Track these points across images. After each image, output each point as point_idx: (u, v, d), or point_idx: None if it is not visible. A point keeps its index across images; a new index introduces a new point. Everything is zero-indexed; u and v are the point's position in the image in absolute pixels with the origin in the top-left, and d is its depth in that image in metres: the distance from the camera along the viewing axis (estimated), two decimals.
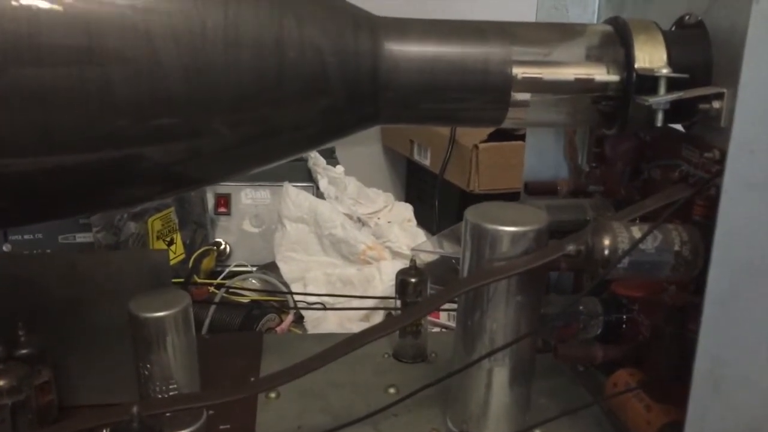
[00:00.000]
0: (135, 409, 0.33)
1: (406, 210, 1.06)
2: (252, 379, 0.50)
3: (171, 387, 0.41)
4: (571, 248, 0.36)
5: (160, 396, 0.41)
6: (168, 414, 0.41)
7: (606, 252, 0.35)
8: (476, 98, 0.39)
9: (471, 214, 0.41)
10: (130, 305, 0.40)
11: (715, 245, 0.34)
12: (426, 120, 0.41)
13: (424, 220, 1.06)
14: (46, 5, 0.32)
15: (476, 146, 1.00)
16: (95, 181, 0.36)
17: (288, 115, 0.37)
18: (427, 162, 1.16)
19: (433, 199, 1.13)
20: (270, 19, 0.35)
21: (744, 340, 0.35)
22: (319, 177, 1.00)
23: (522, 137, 1.01)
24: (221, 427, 0.44)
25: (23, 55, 0.31)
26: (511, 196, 0.58)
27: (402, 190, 1.34)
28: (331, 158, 1.10)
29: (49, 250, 0.79)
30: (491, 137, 1.01)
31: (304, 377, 0.41)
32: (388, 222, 1.01)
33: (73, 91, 0.32)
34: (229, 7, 0.34)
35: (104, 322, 0.44)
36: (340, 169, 1.05)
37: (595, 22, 0.51)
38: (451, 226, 1.00)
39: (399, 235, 0.95)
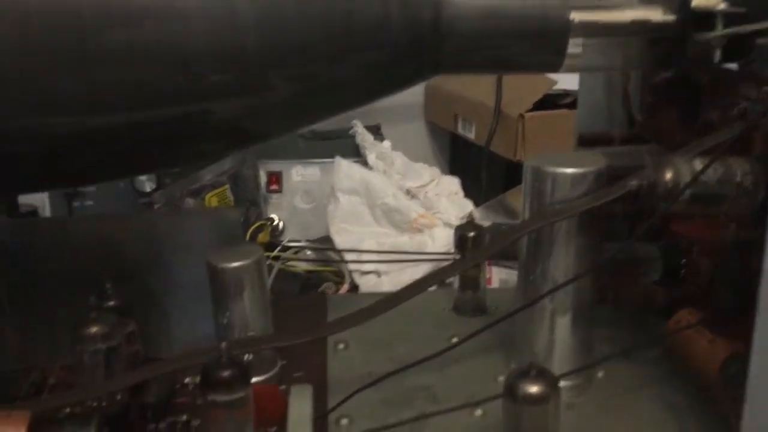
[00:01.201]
0: (224, 345, 0.35)
1: (453, 183, 1.07)
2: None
3: (249, 335, 0.43)
4: (634, 183, 0.37)
5: None
6: (247, 358, 0.43)
7: (669, 185, 0.36)
8: (536, 44, 0.40)
9: (531, 159, 0.42)
10: (209, 257, 0.42)
11: None
12: (485, 68, 0.43)
13: (470, 193, 1.08)
14: None
15: (522, 116, 1.01)
16: (171, 136, 0.38)
17: (353, 65, 0.38)
18: (471, 135, 1.17)
19: (479, 171, 1.14)
20: None
21: None
22: (367, 152, 1.02)
23: (567, 105, 1.01)
24: (295, 374, 0.46)
25: (106, 13, 0.33)
26: None
27: (446, 164, 1.35)
28: (378, 134, 1.11)
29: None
30: (536, 106, 1.01)
31: (369, 330, 0.42)
32: (436, 195, 1.02)
33: (155, 46, 0.34)
34: None
35: (182, 277, 0.46)
36: (387, 144, 1.06)
37: None
38: (497, 197, 1.01)
39: (447, 206, 0.97)
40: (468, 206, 1.01)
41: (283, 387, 0.45)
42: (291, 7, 0.35)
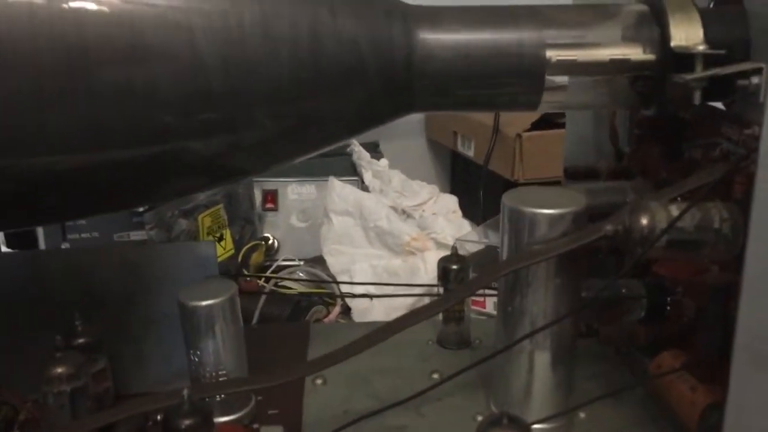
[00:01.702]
0: (186, 392, 0.34)
1: (451, 201, 1.06)
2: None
3: (221, 373, 0.43)
4: (609, 228, 0.36)
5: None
6: (218, 399, 0.42)
7: (644, 231, 0.35)
8: (511, 83, 0.39)
9: (509, 198, 0.41)
10: (179, 295, 0.42)
11: (752, 221, 0.33)
12: (461, 106, 0.42)
13: (469, 211, 1.07)
14: (92, 7, 0.33)
15: (519, 135, 1.00)
16: (142, 175, 0.38)
17: (326, 105, 0.38)
18: (471, 153, 1.16)
19: (478, 190, 1.13)
20: (304, 11, 0.36)
21: None
22: (363, 171, 1.01)
23: (565, 125, 1.00)
24: (270, 412, 0.46)
25: (71, 55, 0.33)
26: (555, 185, 0.57)
27: (447, 181, 1.34)
28: (375, 152, 1.11)
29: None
30: (534, 126, 1.00)
31: (350, 364, 0.41)
32: (433, 214, 1.01)
33: (120, 89, 0.34)
34: (265, 1, 0.35)
35: (156, 312, 0.46)
36: (384, 162, 1.06)
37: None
38: (496, 216, 1.00)
39: (444, 226, 0.96)
40: (465, 226, 1.00)
41: (256, 426, 0.44)
42: (257, 51, 0.34)
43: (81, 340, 0.42)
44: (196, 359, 0.42)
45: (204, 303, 0.41)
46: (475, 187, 1.15)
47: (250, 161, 0.40)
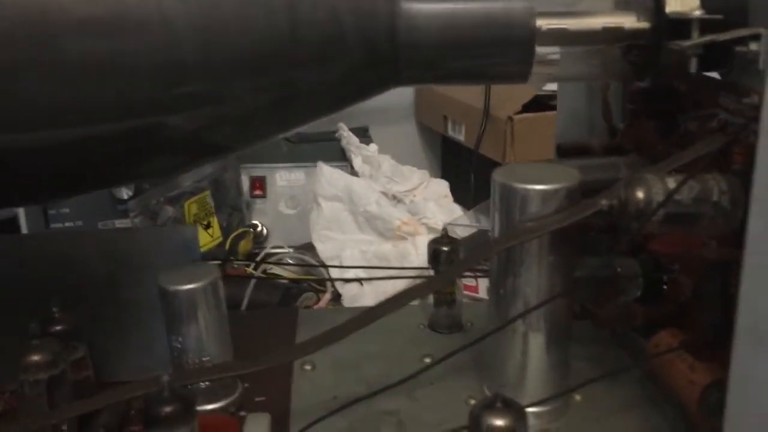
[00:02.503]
0: (165, 379, 0.33)
1: (442, 186, 1.05)
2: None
3: (204, 360, 0.41)
4: (604, 203, 0.35)
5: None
6: (203, 386, 0.41)
7: (640, 205, 0.34)
8: (500, 53, 0.38)
9: (499, 174, 0.40)
10: (160, 279, 0.40)
11: (754, 193, 0.32)
12: (449, 79, 0.40)
13: (461, 195, 1.06)
14: None
15: (510, 118, 0.99)
16: (118, 152, 0.36)
17: (305, 77, 0.36)
18: (461, 137, 1.15)
19: (469, 174, 1.12)
20: None
21: None
22: (352, 156, 1.00)
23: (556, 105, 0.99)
24: (257, 399, 0.44)
25: (35, 28, 0.31)
26: None
27: (438, 166, 1.33)
28: (365, 137, 1.09)
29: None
30: (525, 108, 0.99)
31: (339, 350, 0.40)
32: (424, 199, 1.00)
33: (88, 62, 0.32)
34: None
35: (138, 298, 0.44)
36: (373, 147, 1.04)
37: None
38: (487, 200, 0.99)
39: (435, 211, 0.95)
40: (456, 211, 0.99)
41: (243, 414, 0.43)
42: (231, 19, 0.33)
43: (58, 327, 0.41)
44: (179, 345, 0.41)
45: (185, 287, 0.40)
46: (466, 171, 1.14)
47: (231, 136, 0.39)
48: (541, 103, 0.96)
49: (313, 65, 0.35)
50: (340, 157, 1.02)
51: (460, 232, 0.88)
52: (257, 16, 0.34)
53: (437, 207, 0.97)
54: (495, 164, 1.04)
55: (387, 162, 1.04)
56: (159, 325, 0.42)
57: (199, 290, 0.40)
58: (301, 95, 0.37)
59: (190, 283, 0.40)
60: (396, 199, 0.96)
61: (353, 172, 0.99)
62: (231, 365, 0.41)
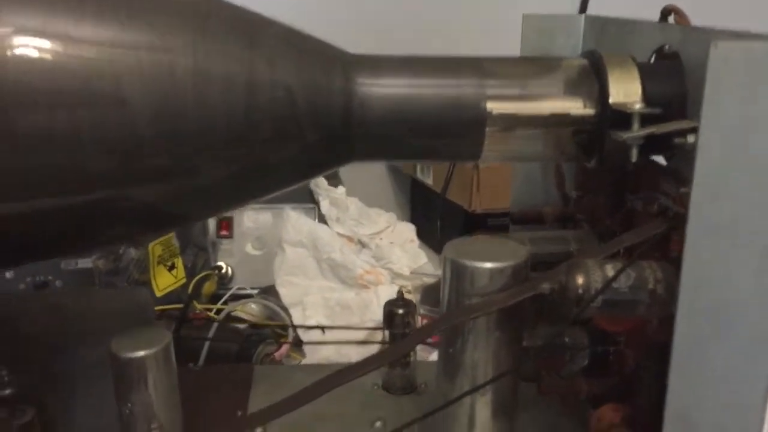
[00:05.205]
0: None
1: (409, 230, 1.05)
2: (239, 413, 0.50)
3: (153, 427, 0.41)
4: (545, 286, 0.36)
5: None
6: None
7: (579, 291, 0.35)
8: (451, 134, 0.39)
9: (449, 250, 0.41)
10: (110, 345, 0.41)
11: (682, 288, 0.33)
12: (401, 157, 0.41)
13: (428, 238, 1.06)
14: (15, 51, 0.32)
15: (477, 166, 1.00)
16: (73, 224, 0.37)
17: (260, 155, 0.37)
18: (430, 181, 1.16)
19: (437, 218, 1.12)
20: (240, 61, 0.35)
21: (713, 385, 0.33)
22: (320, 199, 1.00)
23: None
24: None
25: None
26: None
27: (407, 208, 1.34)
28: (335, 178, 1.10)
29: (33, 289, 0.79)
30: None
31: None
32: (390, 243, 1.00)
33: (43, 134, 0.32)
34: (198, 49, 0.34)
35: (88, 361, 0.44)
36: (341, 189, 1.05)
37: (580, 50, 0.51)
38: None
39: (400, 256, 0.96)
40: (421, 256, 1.00)
41: None
42: (188, 100, 0.33)
43: (7, 391, 0.40)
44: (128, 412, 0.41)
45: (136, 355, 0.40)
46: (434, 215, 1.15)
47: (189, 208, 0.39)
48: None
49: (266, 143, 0.36)
50: (308, 199, 1.02)
51: (426, 279, 0.89)
52: (214, 96, 0.34)
53: (402, 252, 0.97)
54: (462, 210, 1.05)
55: (354, 205, 1.04)
56: (109, 389, 0.42)
57: (150, 357, 0.40)
58: (257, 171, 0.38)
59: (141, 349, 0.40)
60: (361, 243, 0.96)
61: (320, 215, 0.99)
62: None
